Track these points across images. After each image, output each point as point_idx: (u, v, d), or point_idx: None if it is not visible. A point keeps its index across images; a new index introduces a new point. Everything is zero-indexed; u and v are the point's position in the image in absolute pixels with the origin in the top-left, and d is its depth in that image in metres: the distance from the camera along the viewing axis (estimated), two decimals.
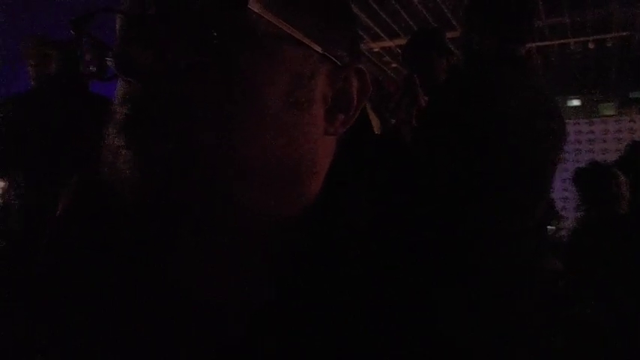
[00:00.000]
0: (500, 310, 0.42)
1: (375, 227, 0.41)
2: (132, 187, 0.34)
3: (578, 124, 5.86)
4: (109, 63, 0.36)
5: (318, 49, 0.38)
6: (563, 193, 5.12)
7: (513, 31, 1.41)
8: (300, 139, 0.38)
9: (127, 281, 0.37)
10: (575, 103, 7.68)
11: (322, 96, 0.40)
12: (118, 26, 0.38)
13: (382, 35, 5.72)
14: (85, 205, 0.41)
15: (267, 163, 0.36)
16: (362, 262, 0.39)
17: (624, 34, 5.78)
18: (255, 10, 0.34)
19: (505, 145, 1.32)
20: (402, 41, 5.65)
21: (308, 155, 0.39)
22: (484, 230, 1.25)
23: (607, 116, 6.62)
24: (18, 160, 2.17)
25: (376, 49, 6.15)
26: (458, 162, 1.27)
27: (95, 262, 0.38)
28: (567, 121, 1.56)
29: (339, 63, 0.40)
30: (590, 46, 6.05)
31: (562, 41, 5.93)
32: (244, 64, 0.35)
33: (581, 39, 5.94)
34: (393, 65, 6.74)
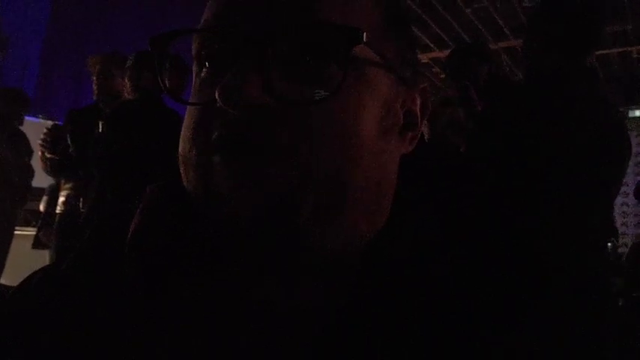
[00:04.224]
0: (570, 324, 0.42)
1: (440, 239, 0.42)
2: (238, 214, 0.34)
3: None
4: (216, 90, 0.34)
5: (398, 72, 0.40)
6: (622, 207, 4.86)
7: (578, 41, 1.37)
8: (388, 162, 0.39)
9: (205, 294, 0.38)
10: (638, 113, 7.28)
11: (398, 118, 0.41)
12: (206, 48, 0.38)
13: (431, 46, 5.65)
14: (160, 221, 0.41)
15: (364, 188, 0.37)
16: (433, 272, 0.39)
17: None
18: (365, 41, 0.35)
19: (567, 158, 1.28)
20: None
21: (392, 176, 0.41)
22: (547, 244, 1.22)
23: None
24: (89, 166, 2.27)
25: (425, 60, 6.08)
26: (521, 175, 1.25)
27: (171, 276, 0.38)
28: (629, 132, 1.51)
29: (410, 84, 0.41)
30: None
31: (624, 49, 5.65)
32: (349, 93, 0.35)
33: None
34: (442, 76, 6.64)
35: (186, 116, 0.39)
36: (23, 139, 3.32)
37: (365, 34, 0.35)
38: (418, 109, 0.43)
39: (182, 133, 0.39)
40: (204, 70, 0.38)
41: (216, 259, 0.38)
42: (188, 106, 0.39)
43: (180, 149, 0.39)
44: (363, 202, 0.37)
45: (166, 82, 0.42)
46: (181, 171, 0.39)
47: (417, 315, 0.36)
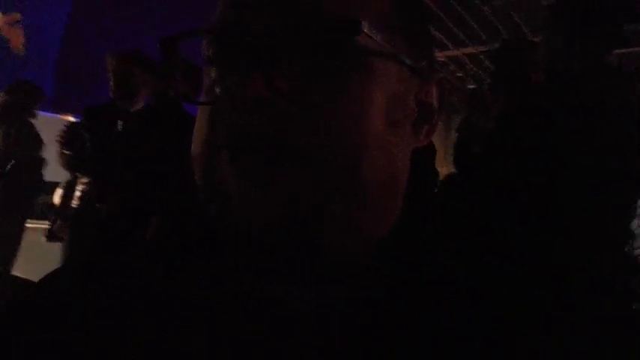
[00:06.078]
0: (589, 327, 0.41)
1: (456, 236, 0.41)
2: (249, 217, 0.34)
3: None
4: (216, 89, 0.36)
5: (410, 63, 0.39)
6: (638, 209, 4.77)
7: (601, 37, 1.34)
8: (398, 157, 0.39)
9: (217, 295, 0.38)
10: None
11: (411, 110, 0.40)
12: (212, 49, 0.38)
13: (447, 44, 5.60)
14: (181, 221, 0.42)
15: (374, 185, 0.36)
16: (449, 271, 0.39)
17: None
18: (366, 32, 0.34)
19: (590, 156, 1.27)
20: (469, 50, 5.49)
21: (403, 171, 0.40)
22: (568, 243, 1.21)
23: None
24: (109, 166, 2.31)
25: (441, 59, 6.02)
26: (542, 173, 1.23)
27: (186, 279, 0.39)
28: None
29: (425, 76, 0.40)
30: None
31: None
32: (353, 86, 0.35)
33: None
34: (459, 74, 6.58)
35: (197, 117, 0.40)
36: (32, 132, 3.35)
37: (365, 24, 0.34)
38: (435, 101, 0.42)
39: (194, 133, 0.40)
40: (213, 69, 0.39)
41: (221, 258, 0.38)
42: (199, 107, 0.40)
43: (192, 150, 0.40)
44: (374, 200, 0.37)
45: (180, 85, 0.43)
46: (194, 172, 0.39)
47: (433, 315, 0.36)
